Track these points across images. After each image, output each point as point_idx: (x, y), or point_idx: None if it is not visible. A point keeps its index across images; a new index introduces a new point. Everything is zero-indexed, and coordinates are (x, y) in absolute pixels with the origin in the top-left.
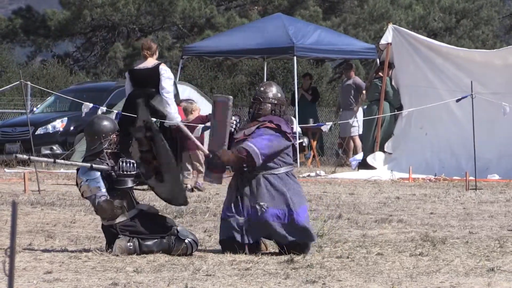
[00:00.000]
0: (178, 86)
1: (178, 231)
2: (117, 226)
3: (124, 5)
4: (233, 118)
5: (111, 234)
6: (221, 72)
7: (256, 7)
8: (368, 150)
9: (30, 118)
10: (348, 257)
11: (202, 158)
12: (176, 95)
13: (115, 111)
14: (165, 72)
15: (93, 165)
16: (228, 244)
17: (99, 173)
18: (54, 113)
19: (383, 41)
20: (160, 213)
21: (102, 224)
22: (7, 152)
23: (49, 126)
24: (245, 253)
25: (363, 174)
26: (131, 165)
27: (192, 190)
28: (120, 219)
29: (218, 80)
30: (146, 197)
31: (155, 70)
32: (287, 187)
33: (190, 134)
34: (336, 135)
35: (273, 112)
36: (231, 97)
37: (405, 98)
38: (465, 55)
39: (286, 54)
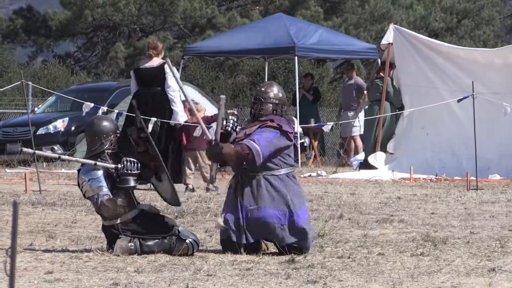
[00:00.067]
0: None
1: (179, 231)
2: (118, 226)
3: (125, 5)
4: (230, 117)
5: (112, 234)
6: (222, 72)
7: (257, 7)
8: (370, 150)
9: (31, 118)
10: (349, 257)
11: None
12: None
13: (116, 111)
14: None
15: (98, 162)
16: (229, 244)
17: (101, 172)
18: (55, 113)
19: (384, 41)
20: (161, 213)
21: (103, 225)
22: (9, 152)
23: (50, 126)
24: (241, 253)
25: (364, 174)
26: (135, 164)
27: (193, 190)
28: (121, 219)
29: (219, 80)
30: (147, 197)
31: (160, 69)
32: (287, 188)
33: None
34: (337, 135)
35: (274, 112)
36: (223, 96)
37: (406, 98)
38: (465, 54)
39: (287, 54)
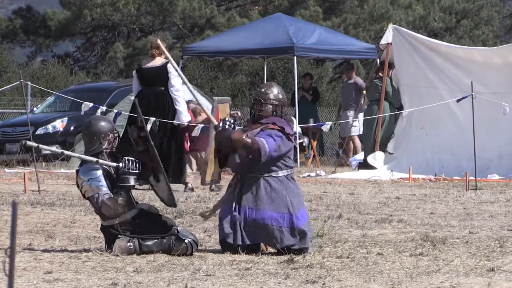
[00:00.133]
0: None
1: (178, 231)
2: (117, 226)
3: (124, 5)
4: (227, 118)
5: (110, 234)
6: (221, 72)
7: (257, 7)
8: (369, 150)
9: (30, 118)
10: (348, 257)
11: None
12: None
13: (115, 111)
14: (174, 71)
15: (99, 160)
16: (228, 244)
17: (100, 172)
18: (54, 113)
19: (383, 41)
20: (160, 213)
21: (102, 225)
22: (8, 152)
23: (49, 126)
24: (239, 253)
25: (363, 174)
26: (135, 163)
27: (192, 189)
28: (121, 218)
29: (218, 80)
30: (146, 197)
31: (163, 69)
32: (287, 190)
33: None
34: (336, 135)
35: (274, 113)
36: (215, 98)
37: (405, 98)
38: (465, 54)
39: (286, 54)
